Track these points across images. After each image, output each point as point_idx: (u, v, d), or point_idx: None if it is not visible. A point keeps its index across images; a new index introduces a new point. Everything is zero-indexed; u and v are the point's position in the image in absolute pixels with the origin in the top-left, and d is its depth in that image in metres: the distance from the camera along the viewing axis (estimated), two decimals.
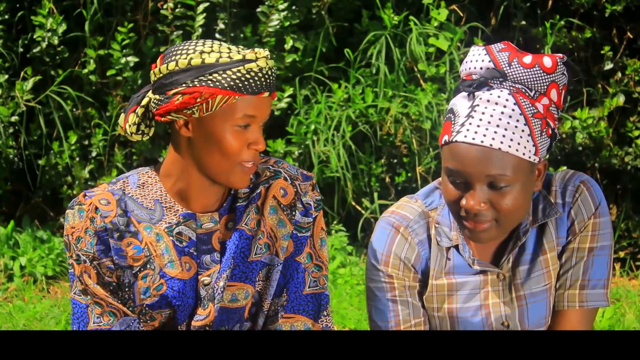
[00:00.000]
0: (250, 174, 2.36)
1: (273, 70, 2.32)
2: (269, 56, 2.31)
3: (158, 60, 2.33)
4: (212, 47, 2.30)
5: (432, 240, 2.46)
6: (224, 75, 2.27)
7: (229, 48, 2.30)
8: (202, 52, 2.28)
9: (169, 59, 2.30)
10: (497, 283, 2.46)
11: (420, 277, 2.48)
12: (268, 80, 2.30)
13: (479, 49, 2.37)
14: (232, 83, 2.26)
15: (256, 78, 2.28)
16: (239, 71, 2.27)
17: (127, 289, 2.37)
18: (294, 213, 2.42)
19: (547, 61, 2.31)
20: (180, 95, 2.28)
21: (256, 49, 2.31)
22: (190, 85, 2.27)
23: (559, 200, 2.45)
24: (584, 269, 2.46)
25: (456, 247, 2.46)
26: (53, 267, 5.22)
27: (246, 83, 2.27)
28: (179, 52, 2.30)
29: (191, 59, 2.28)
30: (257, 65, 2.28)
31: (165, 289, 2.36)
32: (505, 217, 2.33)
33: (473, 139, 2.28)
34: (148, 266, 2.36)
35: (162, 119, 2.32)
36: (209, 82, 2.26)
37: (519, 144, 2.28)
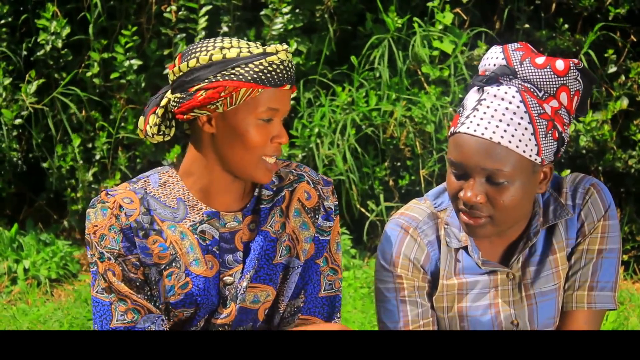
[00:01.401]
0: (274, 170, 2.37)
1: (292, 64, 2.34)
2: (288, 49, 2.33)
3: (176, 60, 2.34)
4: (231, 42, 2.32)
5: (441, 241, 2.47)
6: (247, 69, 2.28)
7: (247, 44, 2.32)
8: (222, 48, 2.30)
9: (189, 57, 2.31)
10: (506, 282, 2.47)
11: (429, 278, 2.48)
12: (289, 73, 2.32)
13: (497, 48, 2.39)
14: (255, 76, 2.28)
15: (278, 70, 2.30)
16: (261, 64, 2.29)
17: (154, 286, 2.37)
18: (317, 216, 2.43)
19: (559, 64, 2.33)
20: (203, 91, 2.29)
21: (275, 45, 2.33)
22: (213, 80, 2.28)
23: (569, 202, 2.47)
24: (592, 270, 2.47)
25: (465, 248, 2.46)
26: (57, 270, 5.22)
27: (269, 75, 2.29)
28: (198, 49, 2.32)
29: (212, 54, 2.29)
30: (278, 58, 2.30)
31: (190, 287, 2.36)
32: (500, 214, 2.34)
33: (475, 130, 2.30)
34: (174, 264, 2.36)
35: (185, 116, 2.32)
36: (232, 75, 2.28)
37: (520, 140, 2.29)
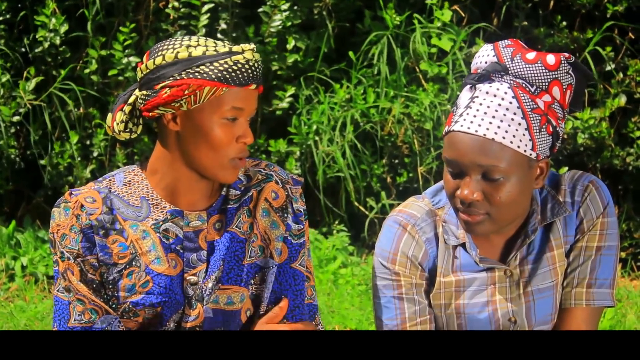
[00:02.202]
0: (239, 169, 2.36)
1: (259, 64, 2.34)
2: (254, 49, 2.33)
3: (144, 57, 2.35)
4: (198, 41, 2.32)
5: (439, 238, 2.48)
6: (212, 67, 2.28)
7: (215, 42, 2.33)
8: (188, 46, 2.30)
9: (156, 55, 2.32)
10: (504, 280, 2.47)
11: (427, 276, 2.48)
12: (255, 73, 2.32)
13: (488, 46, 2.40)
14: (219, 74, 2.28)
15: (243, 70, 2.30)
16: (225, 63, 2.29)
17: (110, 287, 2.36)
18: (286, 215, 2.42)
19: (550, 59, 2.34)
20: (168, 89, 2.29)
21: (243, 45, 2.33)
22: (178, 78, 2.28)
23: (568, 199, 2.47)
24: (591, 267, 2.48)
25: (463, 245, 2.46)
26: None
27: (233, 74, 2.29)
28: (165, 47, 2.32)
29: (178, 52, 2.29)
30: (244, 57, 2.30)
31: (151, 286, 2.35)
32: (498, 210, 2.34)
33: (468, 128, 2.31)
34: (133, 263, 2.35)
35: (150, 114, 2.33)
36: (197, 74, 2.28)
37: (514, 136, 2.30)
